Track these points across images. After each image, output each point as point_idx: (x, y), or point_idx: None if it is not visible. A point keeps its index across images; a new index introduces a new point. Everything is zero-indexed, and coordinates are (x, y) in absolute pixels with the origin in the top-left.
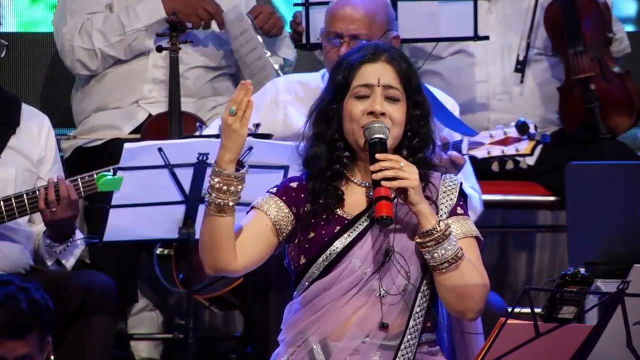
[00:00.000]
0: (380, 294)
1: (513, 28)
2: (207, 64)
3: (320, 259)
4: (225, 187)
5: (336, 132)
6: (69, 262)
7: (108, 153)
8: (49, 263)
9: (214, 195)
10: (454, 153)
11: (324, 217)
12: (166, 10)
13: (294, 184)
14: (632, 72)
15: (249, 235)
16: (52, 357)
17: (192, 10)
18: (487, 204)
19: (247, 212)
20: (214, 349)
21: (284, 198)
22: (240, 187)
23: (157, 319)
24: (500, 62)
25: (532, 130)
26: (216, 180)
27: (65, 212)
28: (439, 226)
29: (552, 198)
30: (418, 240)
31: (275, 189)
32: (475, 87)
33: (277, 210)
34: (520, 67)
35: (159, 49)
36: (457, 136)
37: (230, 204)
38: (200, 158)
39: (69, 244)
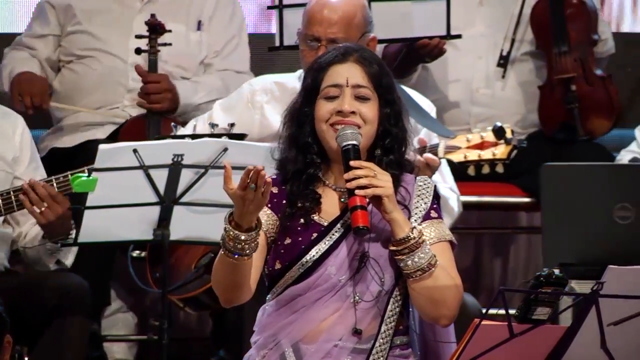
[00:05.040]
0: (354, 300)
1: (501, 25)
2: (184, 76)
3: (296, 266)
4: (238, 245)
5: (308, 136)
6: (69, 260)
7: (82, 154)
8: (50, 264)
9: (229, 244)
10: (429, 155)
11: (300, 222)
12: (6, 87)
13: (274, 190)
14: (615, 74)
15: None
16: (25, 359)
17: (18, 97)
18: (463, 205)
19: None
20: (189, 351)
21: (269, 205)
22: (254, 244)
23: (131, 320)
24: (486, 57)
25: (508, 134)
26: (228, 238)
27: (55, 210)
28: (413, 234)
29: (527, 199)
30: (392, 248)
31: None
32: (459, 80)
33: (266, 220)
34: (503, 62)
35: (138, 51)
36: (433, 139)
37: (248, 251)
38: (175, 159)
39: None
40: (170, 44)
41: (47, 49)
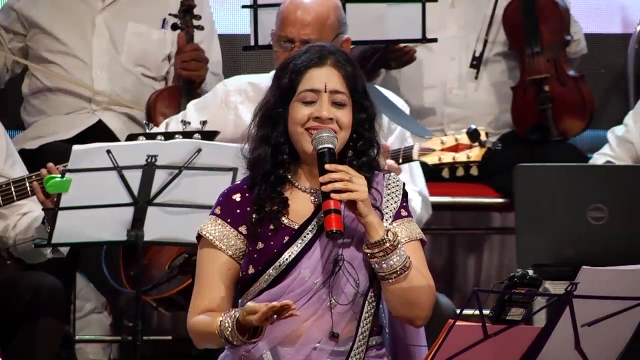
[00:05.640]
0: (330, 304)
1: (474, 26)
2: (145, 74)
3: (270, 270)
4: (235, 343)
5: (281, 136)
6: (64, 247)
7: (42, 155)
8: (47, 252)
9: (230, 338)
10: (390, 162)
11: (271, 227)
12: None
13: (236, 197)
14: (588, 74)
15: (221, 289)
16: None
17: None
18: (436, 206)
19: (197, 240)
20: (163, 351)
21: (229, 220)
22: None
23: (105, 321)
24: (458, 58)
25: (483, 137)
26: (229, 334)
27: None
28: (388, 237)
29: (501, 200)
30: (367, 250)
31: (218, 208)
32: (432, 81)
33: (229, 239)
34: (476, 63)
35: (174, 27)
36: (408, 140)
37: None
38: (149, 160)
39: None
40: (202, 28)
41: (7, 35)
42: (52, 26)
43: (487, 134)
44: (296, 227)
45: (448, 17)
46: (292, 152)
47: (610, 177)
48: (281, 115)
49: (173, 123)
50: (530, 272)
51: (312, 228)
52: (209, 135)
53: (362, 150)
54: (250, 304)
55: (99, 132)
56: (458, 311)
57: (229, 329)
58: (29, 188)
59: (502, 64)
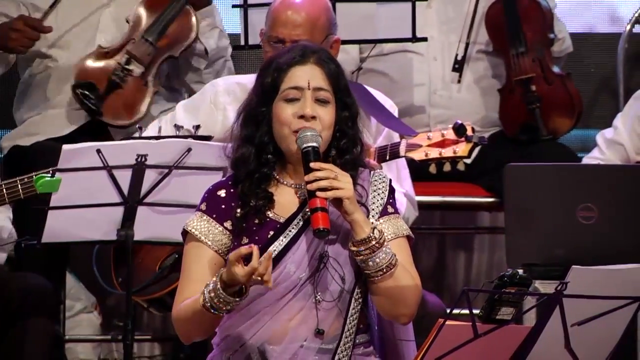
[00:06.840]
0: (315, 300)
1: (453, 27)
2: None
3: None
4: (223, 307)
5: (265, 135)
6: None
7: (35, 153)
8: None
9: (215, 302)
10: (372, 162)
11: (255, 221)
12: None
13: (221, 193)
14: (577, 74)
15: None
16: None
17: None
18: (426, 205)
19: (182, 236)
20: (153, 351)
21: (214, 216)
22: (235, 304)
23: (95, 320)
24: (441, 58)
25: (469, 132)
26: (214, 295)
27: None
28: (374, 234)
29: (491, 199)
30: (352, 248)
31: (204, 204)
32: (417, 83)
33: (214, 235)
34: (458, 66)
35: None
36: (395, 139)
37: (228, 311)
38: (139, 159)
39: None
40: None
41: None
42: (55, 19)
43: (473, 129)
44: (282, 220)
45: (426, 18)
46: (276, 150)
47: (600, 177)
48: (265, 114)
49: (164, 124)
50: (520, 271)
51: (298, 222)
52: (202, 140)
53: (345, 149)
54: (232, 253)
55: (93, 130)
56: (448, 310)
57: (211, 286)
58: (21, 190)
59: (485, 62)
